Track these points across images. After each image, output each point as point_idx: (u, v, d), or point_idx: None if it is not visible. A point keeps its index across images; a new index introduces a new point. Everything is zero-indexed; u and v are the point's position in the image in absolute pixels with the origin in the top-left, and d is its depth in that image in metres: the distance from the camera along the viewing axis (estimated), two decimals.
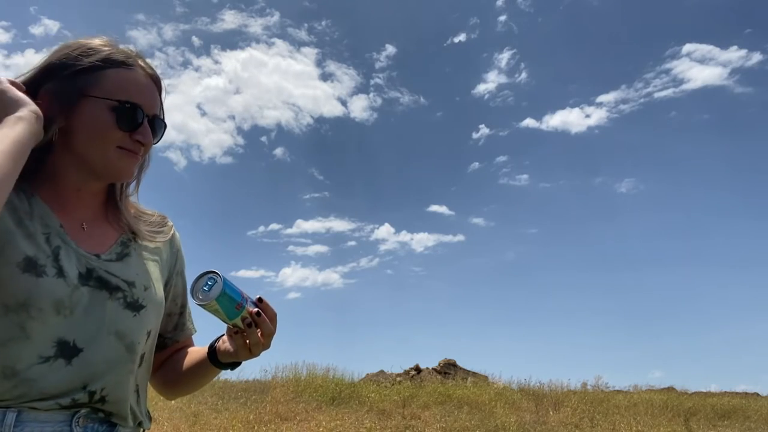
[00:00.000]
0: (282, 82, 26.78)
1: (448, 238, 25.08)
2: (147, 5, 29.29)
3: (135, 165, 1.06)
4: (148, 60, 1.10)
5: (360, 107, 26.56)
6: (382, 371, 14.67)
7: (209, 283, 0.96)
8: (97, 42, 1.05)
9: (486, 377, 14.11)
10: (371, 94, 26.74)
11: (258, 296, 1.02)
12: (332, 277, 25.41)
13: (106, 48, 1.04)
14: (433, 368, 14.52)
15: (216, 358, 1.09)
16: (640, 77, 24.95)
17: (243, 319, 0.99)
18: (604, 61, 28.85)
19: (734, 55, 23.23)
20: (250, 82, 26.79)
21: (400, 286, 26.83)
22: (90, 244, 1.03)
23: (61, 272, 0.94)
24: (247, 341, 1.02)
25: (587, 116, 24.85)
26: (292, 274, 25.41)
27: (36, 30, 23.00)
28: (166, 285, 1.16)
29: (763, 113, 24.74)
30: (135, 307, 1.02)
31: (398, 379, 13.75)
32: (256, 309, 1.00)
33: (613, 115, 24.31)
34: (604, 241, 28.33)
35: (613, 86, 26.43)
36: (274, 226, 25.27)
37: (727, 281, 26.88)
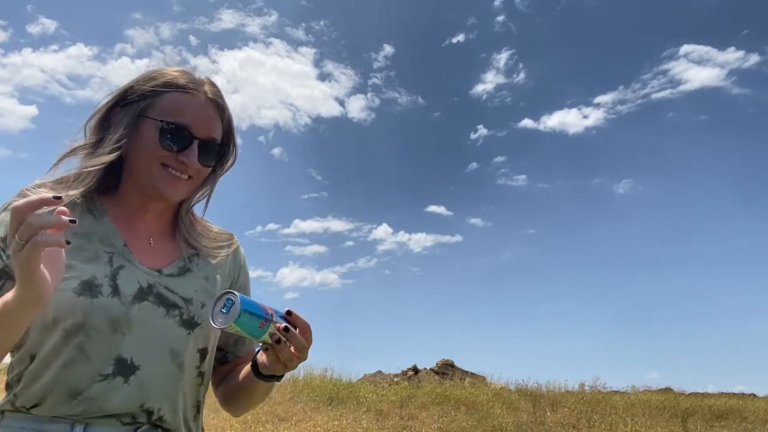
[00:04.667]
0: (280, 81, 26.80)
1: (446, 238, 25.09)
2: (144, 4, 29.28)
3: (179, 185, 1.07)
4: (216, 89, 1.11)
5: (358, 107, 26.57)
6: (379, 371, 14.67)
7: (227, 305, 0.92)
8: (170, 69, 1.10)
9: (483, 378, 14.12)
10: (369, 94, 26.75)
11: (287, 309, 0.97)
12: (330, 277, 25.37)
13: (173, 74, 1.08)
14: (430, 369, 14.52)
15: (259, 371, 1.07)
16: (637, 78, 25.00)
17: (271, 335, 0.94)
18: (601, 61, 28.91)
19: (732, 56, 23.26)
20: (247, 82, 26.79)
21: (397, 287, 26.84)
22: (153, 260, 1.07)
23: (116, 291, 0.98)
24: (279, 356, 0.98)
25: (585, 117, 24.90)
26: (289, 275, 25.36)
27: (33, 29, 22.98)
28: None
29: (761, 114, 24.79)
30: (190, 324, 1.03)
31: (396, 379, 13.75)
32: (284, 324, 0.95)
33: (611, 115, 24.36)
34: (602, 242, 28.39)
35: (611, 87, 26.49)
36: (271, 226, 25.23)
37: (725, 282, 26.95)
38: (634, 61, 27.11)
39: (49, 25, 22.93)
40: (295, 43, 26.67)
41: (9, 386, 0.98)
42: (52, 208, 0.77)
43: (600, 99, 24.61)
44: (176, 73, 1.09)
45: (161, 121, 1.04)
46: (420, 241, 24.77)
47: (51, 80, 22.41)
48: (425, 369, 14.51)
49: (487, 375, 14.29)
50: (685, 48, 23.84)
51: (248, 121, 25.68)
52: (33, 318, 0.85)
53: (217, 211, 1.29)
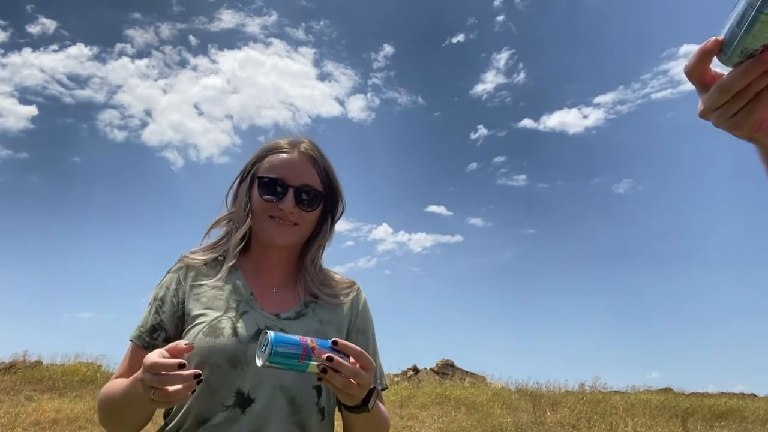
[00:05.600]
0: (279, 81, 26.72)
1: (446, 238, 25.05)
2: (143, 4, 29.21)
3: (286, 231, 1.22)
4: (311, 145, 1.29)
5: (358, 107, 26.52)
6: None
7: (264, 344, 0.94)
8: (278, 139, 1.30)
9: (484, 378, 14.12)
10: (369, 94, 26.70)
11: (333, 339, 0.98)
12: None
13: (276, 141, 1.29)
14: (430, 369, 14.52)
15: (341, 404, 1.12)
16: (637, 78, 24.98)
17: (319, 367, 0.95)
18: (601, 62, 28.90)
19: None
20: (247, 82, 26.73)
21: (398, 287, 26.77)
22: (274, 305, 1.22)
23: (235, 332, 1.13)
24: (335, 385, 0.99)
25: (585, 117, 24.84)
26: None
27: (33, 29, 22.90)
28: None
29: None
30: None
31: (396, 379, 13.75)
32: (327, 355, 0.95)
33: (611, 116, 24.32)
34: (602, 242, 28.38)
35: (611, 87, 26.46)
36: None
37: (725, 282, 26.95)
38: (634, 61, 27.16)
39: (49, 25, 22.88)
40: (295, 43, 26.64)
41: (165, 415, 1.20)
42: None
43: (600, 99, 24.59)
44: (279, 140, 1.29)
45: (260, 177, 1.23)
46: (420, 241, 24.76)
47: (51, 80, 22.37)
48: (425, 369, 14.51)
49: (487, 375, 14.30)
50: (685, 48, 23.80)
51: (248, 121, 25.69)
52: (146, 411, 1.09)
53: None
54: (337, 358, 0.95)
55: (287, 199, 1.20)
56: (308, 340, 0.96)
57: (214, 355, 1.11)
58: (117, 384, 1.12)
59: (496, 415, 9.31)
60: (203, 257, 1.27)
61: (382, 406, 1.20)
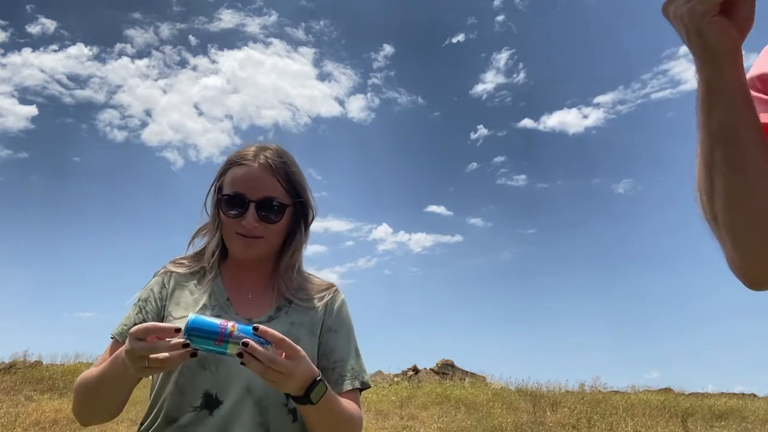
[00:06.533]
0: (279, 81, 26.66)
1: (446, 238, 25.02)
2: (143, 4, 29.21)
3: (251, 247, 1.24)
4: (271, 154, 1.27)
5: (358, 107, 26.48)
6: (379, 372, 14.67)
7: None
8: (243, 148, 1.30)
9: (484, 378, 14.12)
10: (369, 94, 26.64)
11: (254, 325, 0.98)
12: (330, 277, 24.61)
13: (237, 152, 1.29)
14: (430, 369, 14.52)
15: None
16: (637, 78, 24.92)
17: (237, 351, 0.95)
18: (601, 61, 28.90)
19: None
20: (247, 82, 26.69)
21: (397, 287, 26.78)
22: (248, 310, 1.25)
23: None
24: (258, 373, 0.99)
25: (585, 117, 24.79)
26: None
27: (33, 29, 22.88)
28: (318, 344, 1.27)
29: None
30: None
31: (396, 379, 13.75)
32: (243, 339, 0.95)
33: (611, 115, 24.29)
34: (602, 242, 28.37)
35: (611, 87, 26.40)
36: None
37: (725, 282, 26.82)
38: (634, 61, 27.10)
39: (49, 25, 22.85)
40: (295, 43, 26.60)
41: (141, 423, 1.24)
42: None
43: (600, 99, 24.55)
44: (242, 150, 1.28)
45: (222, 195, 1.25)
46: (420, 241, 24.73)
47: (51, 80, 22.33)
48: (425, 369, 14.51)
49: (487, 375, 14.29)
50: (685, 48, 23.73)
51: (248, 121, 25.67)
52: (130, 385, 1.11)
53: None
54: (252, 343, 0.95)
55: (248, 215, 1.21)
56: (229, 324, 0.97)
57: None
58: (95, 369, 1.15)
59: (496, 415, 9.31)
60: (185, 266, 1.32)
61: (348, 405, 1.19)
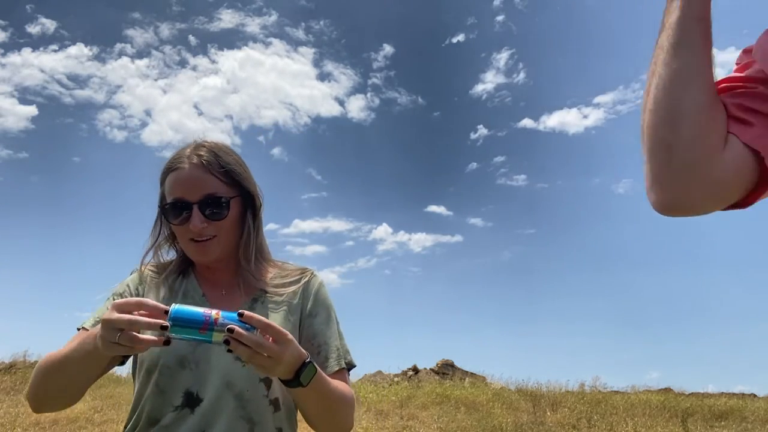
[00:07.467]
0: (279, 81, 26.68)
1: (446, 238, 25.04)
2: (143, 4, 29.17)
3: (206, 249, 1.23)
4: (198, 150, 1.24)
5: (357, 107, 26.51)
6: (379, 371, 14.66)
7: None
8: (176, 152, 1.27)
9: (484, 378, 14.12)
10: (369, 94, 26.67)
11: (239, 311, 0.96)
12: (330, 277, 25.28)
13: (171, 158, 1.26)
14: (430, 369, 14.52)
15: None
16: (637, 78, 24.91)
17: (223, 338, 0.94)
18: (601, 61, 28.91)
19: (732, 56, 22.57)
20: (247, 82, 26.71)
21: (397, 287, 26.78)
22: (224, 306, 1.17)
23: None
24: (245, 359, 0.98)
25: (585, 117, 24.84)
26: None
27: (33, 29, 22.89)
28: (299, 329, 1.27)
29: None
30: None
31: (396, 379, 13.75)
32: (229, 326, 0.94)
33: (611, 116, 24.30)
34: (602, 242, 28.39)
35: (611, 87, 26.49)
36: (271, 226, 24.83)
37: (725, 282, 26.95)
38: (634, 61, 27.04)
39: (49, 25, 22.86)
40: (295, 43, 26.62)
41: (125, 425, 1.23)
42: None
43: (600, 99, 24.60)
44: (174, 154, 1.26)
45: (161, 206, 1.25)
46: (420, 241, 24.74)
47: (51, 80, 22.36)
48: (425, 369, 14.50)
49: (487, 375, 14.29)
50: None
51: (248, 121, 25.70)
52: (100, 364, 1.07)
53: None
54: (238, 329, 0.93)
55: (194, 218, 1.19)
56: (213, 312, 0.96)
57: (164, 356, 1.15)
58: (62, 349, 1.10)
59: (496, 415, 9.30)
60: (157, 271, 1.32)
61: (339, 384, 1.18)
